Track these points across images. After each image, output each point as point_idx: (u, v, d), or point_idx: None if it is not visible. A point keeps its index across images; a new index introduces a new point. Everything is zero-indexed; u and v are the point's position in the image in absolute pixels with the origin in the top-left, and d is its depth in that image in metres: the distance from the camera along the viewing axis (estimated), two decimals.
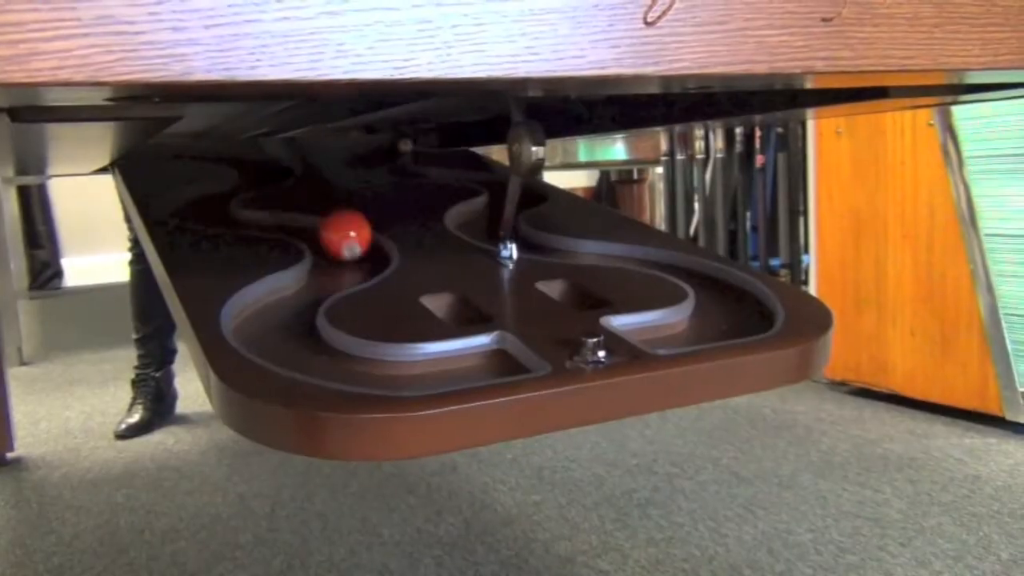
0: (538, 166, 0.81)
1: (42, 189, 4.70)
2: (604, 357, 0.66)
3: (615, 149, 3.73)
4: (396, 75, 0.39)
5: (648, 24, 0.45)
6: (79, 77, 0.34)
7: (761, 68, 0.47)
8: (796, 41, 0.48)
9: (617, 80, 0.45)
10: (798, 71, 0.49)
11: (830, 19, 0.49)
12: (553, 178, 1.35)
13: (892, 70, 0.52)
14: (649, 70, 0.45)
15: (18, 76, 0.33)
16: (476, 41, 0.41)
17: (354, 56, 0.39)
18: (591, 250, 0.98)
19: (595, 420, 0.64)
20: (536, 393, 0.61)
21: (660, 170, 3.66)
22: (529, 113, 0.82)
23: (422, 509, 1.67)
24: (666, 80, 0.48)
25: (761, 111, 0.96)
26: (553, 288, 0.86)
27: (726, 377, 0.70)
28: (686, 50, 0.46)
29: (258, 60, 0.37)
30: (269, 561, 1.47)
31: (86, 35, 0.34)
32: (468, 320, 0.79)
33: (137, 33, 0.35)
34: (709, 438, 2.02)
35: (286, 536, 1.57)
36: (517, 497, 1.71)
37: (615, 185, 4.68)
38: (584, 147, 3.75)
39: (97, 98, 0.42)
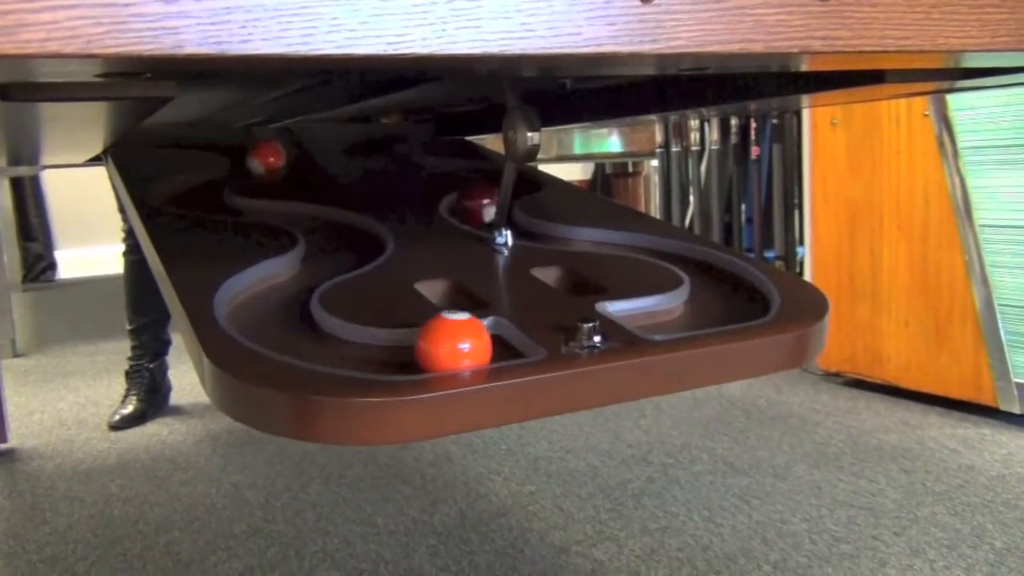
0: (533, 152, 0.81)
1: (35, 181, 4.68)
2: (600, 342, 0.66)
3: (610, 141, 3.72)
4: (390, 50, 0.39)
5: (644, 1, 0.44)
6: (68, 49, 0.33)
7: (758, 47, 0.47)
8: (794, 20, 0.48)
9: (613, 58, 0.44)
10: (795, 51, 0.48)
11: None
12: (548, 170, 1.34)
13: (889, 51, 0.52)
14: (646, 48, 0.44)
15: (7, 48, 0.33)
16: (472, 17, 0.41)
17: (347, 31, 0.38)
18: (586, 237, 0.97)
19: (591, 405, 0.64)
20: (532, 378, 0.61)
21: (655, 162, 3.65)
22: (524, 100, 0.82)
23: (417, 499, 1.66)
24: (662, 59, 0.48)
25: (757, 97, 0.96)
26: (548, 274, 0.85)
27: (722, 363, 0.70)
28: (682, 28, 0.46)
29: (250, 34, 0.37)
30: (264, 551, 1.47)
31: (75, 6, 0.33)
32: (463, 306, 0.78)
33: (126, 4, 0.34)
34: (704, 429, 2.02)
35: (280, 526, 1.57)
36: (512, 487, 1.71)
37: (610, 177, 4.68)
38: (579, 139, 3.74)
39: (88, 74, 0.42)
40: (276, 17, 0.37)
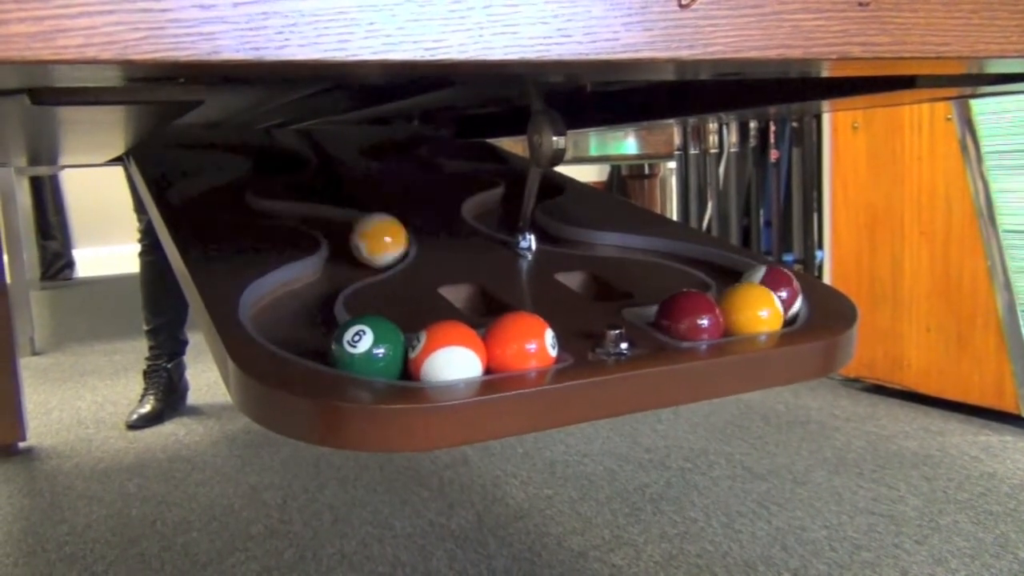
0: (559, 156, 0.80)
1: (54, 180, 4.71)
2: (627, 349, 0.66)
3: (626, 143, 3.70)
4: (427, 56, 0.38)
5: (682, 7, 0.44)
6: (106, 55, 0.33)
7: (796, 53, 0.46)
8: (832, 26, 0.47)
9: (651, 64, 0.44)
10: (834, 56, 0.48)
11: (867, 3, 0.48)
12: (562, 172, 1.33)
13: (928, 57, 0.51)
14: (683, 54, 0.44)
15: (44, 53, 0.32)
16: (509, 23, 0.40)
17: (384, 36, 0.38)
18: (610, 242, 0.97)
19: (618, 412, 0.63)
20: (558, 385, 0.60)
21: (671, 165, 3.63)
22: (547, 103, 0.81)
23: (434, 502, 1.66)
24: (699, 65, 0.47)
25: (779, 101, 0.95)
26: (572, 279, 0.85)
27: (750, 371, 0.69)
28: (720, 34, 0.45)
29: (287, 40, 0.36)
30: (281, 553, 1.47)
31: (112, 11, 0.33)
32: (487, 311, 0.78)
33: (163, 10, 0.34)
34: (722, 434, 2.01)
35: (298, 528, 1.57)
36: (529, 491, 1.70)
37: (626, 180, 4.66)
38: (595, 141, 3.73)
39: (120, 79, 0.42)
40: (313, 23, 0.36)
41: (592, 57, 0.42)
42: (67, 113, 0.62)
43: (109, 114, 0.64)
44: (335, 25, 0.37)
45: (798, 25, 0.46)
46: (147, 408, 2.29)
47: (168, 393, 2.34)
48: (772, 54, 0.46)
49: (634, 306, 0.75)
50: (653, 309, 0.74)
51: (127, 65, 0.33)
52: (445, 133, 1.48)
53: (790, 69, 0.57)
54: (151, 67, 0.34)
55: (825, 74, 0.64)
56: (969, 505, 1.56)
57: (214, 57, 0.35)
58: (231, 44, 0.35)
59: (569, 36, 0.41)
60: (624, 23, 0.43)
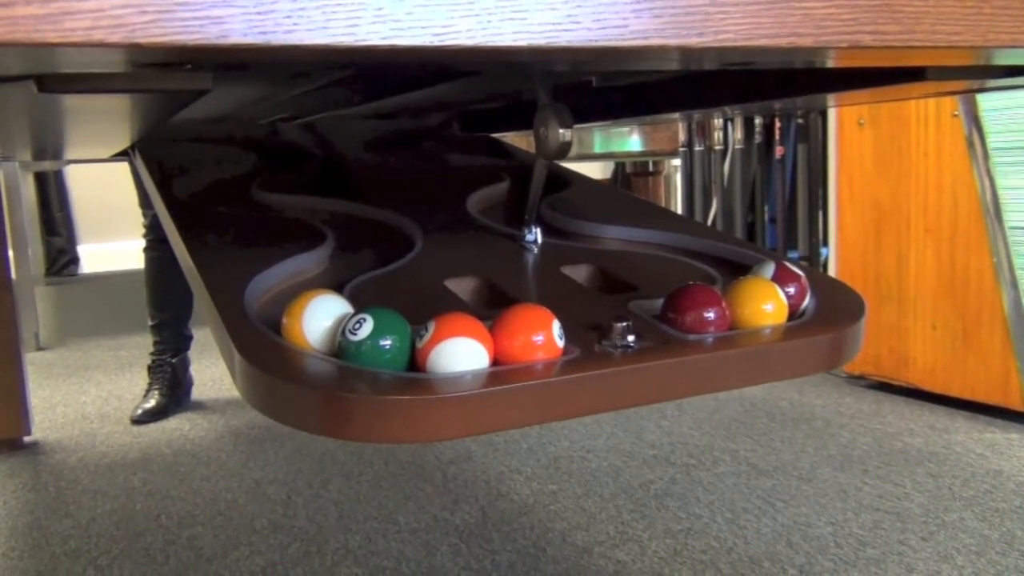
0: (565, 149, 0.80)
1: (59, 176, 4.72)
2: (633, 342, 0.65)
3: (631, 140, 3.70)
4: (435, 42, 0.38)
5: None
6: (113, 38, 0.33)
7: (807, 41, 0.46)
8: (843, 14, 0.47)
9: (660, 51, 0.43)
10: (844, 45, 0.47)
11: None
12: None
13: (939, 47, 0.50)
14: (693, 41, 0.43)
15: (51, 36, 0.32)
16: (518, 8, 0.40)
17: (392, 21, 0.38)
18: (616, 235, 0.97)
19: (625, 405, 0.63)
20: (565, 377, 0.60)
21: (676, 162, 3.63)
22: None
23: (438, 497, 1.66)
24: (709, 53, 0.47)
25: (785, 95, 0.94)
26: (578, 273, 0.85)
27: (757, 364, 0.69)
28: (730, 21, 0.45)
29: (295, 24, 0.36)
30: (285, 547, 1.47)
31: None
32: (493, 304, 0.78)
33: None
34: (727, 430, 2.01)
35: (302, 522, 1.57)
36: (533, 486, 1.70)
37: (630, 177, 4.66)
38: (599, 138, 3.73)
39: (127, 64, 0.41)
40: (321, 7, 0.36)
41: (601, 44, 0.42)
42: (73, 102, 0.61)
43: (115, 103, 0.64)
44: (343, 10, 0.37)
45: (808, 13, 0.46)
46: (152, 403, 2.29)
47: (173, 388, 2.35)
48: (783, 42, 0.46)
49: (640, 299, 0.75)
50: (659, 302, 0.74)
51: (134, 49, 0.33)
52: (454, 127, 1.48)
53: (800, 58, 0.57)
54: (158, 51, 0.34)
55: (834, 64, 0.63)
56: (975, 502, 1.56)
57: (222, 41, 0.35)
58: (239, 28, 0.35)
59: (578, 22, 0.41)
60: (633, 9, 0.42)
